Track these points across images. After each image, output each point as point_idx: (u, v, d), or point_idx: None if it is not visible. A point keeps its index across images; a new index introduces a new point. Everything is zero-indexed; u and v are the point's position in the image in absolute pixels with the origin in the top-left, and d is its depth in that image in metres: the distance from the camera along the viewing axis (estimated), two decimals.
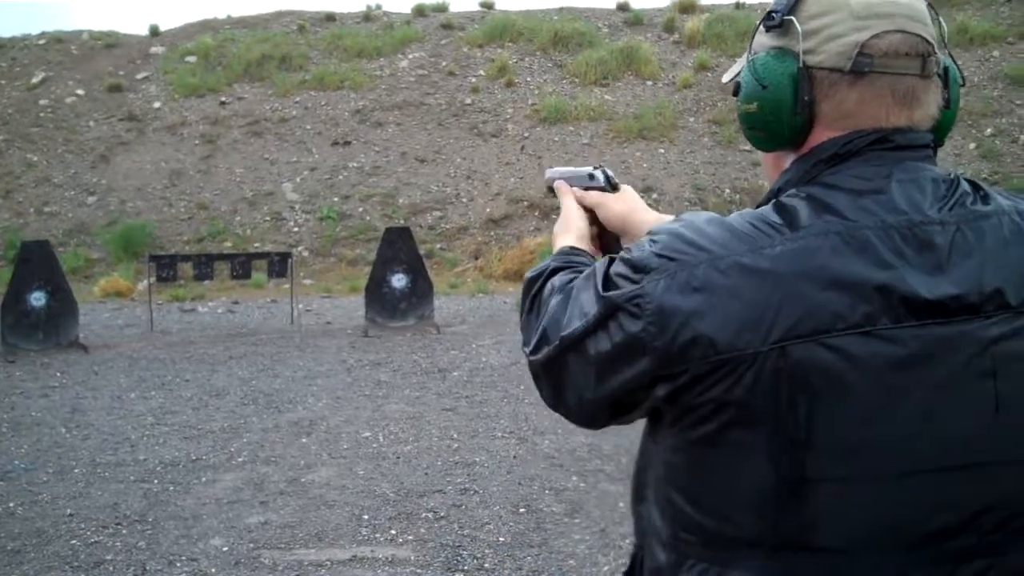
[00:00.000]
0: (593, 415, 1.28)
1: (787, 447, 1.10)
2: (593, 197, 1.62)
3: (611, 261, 1.24)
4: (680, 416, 1.17)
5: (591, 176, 1.65)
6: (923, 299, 1.10)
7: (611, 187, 1.64)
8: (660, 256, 1.15)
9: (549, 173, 1.75)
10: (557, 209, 1.66)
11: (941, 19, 1.26)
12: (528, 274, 1.44)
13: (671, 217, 1.46)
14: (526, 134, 19.36)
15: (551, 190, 1.73)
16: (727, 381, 1.10)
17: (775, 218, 1.15)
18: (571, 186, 1.68)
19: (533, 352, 1.31)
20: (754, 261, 1.11)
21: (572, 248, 1.52)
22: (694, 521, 1.20)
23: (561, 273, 1.38)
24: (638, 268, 1.17)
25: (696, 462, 1.19)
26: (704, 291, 1.11)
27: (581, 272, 1.32)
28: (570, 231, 1.59)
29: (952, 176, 1.21)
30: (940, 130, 1.27)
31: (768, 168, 1.35)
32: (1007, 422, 1.13)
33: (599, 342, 1.19)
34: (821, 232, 1.12)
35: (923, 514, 1.11)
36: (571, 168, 1.70)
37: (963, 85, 1.32)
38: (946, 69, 1.27)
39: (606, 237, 1.62)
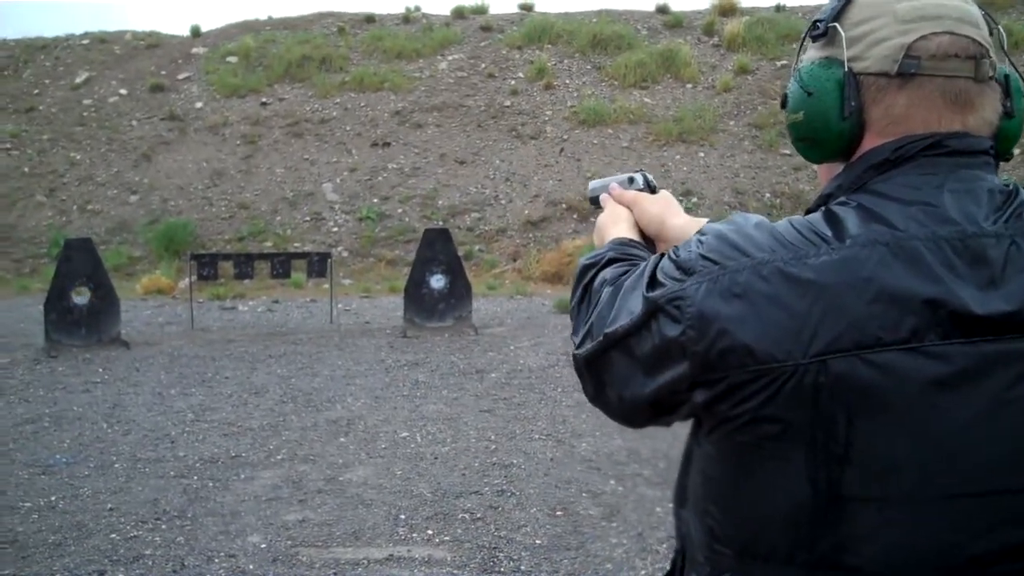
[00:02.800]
0: (632, 414, 1.27)
1: (824, 464, 1.08)
2: (630, 196, 1.59)
3: (661, 257, 1.22)
4: (717, 425, 1.15)
5: (631, 180, 1.64)
6: (973, 315, 1.06)
7: (649, 190, 1.62)
8: (705, 258, 1.14)
9: (592, 185, 1.73)
10: (595, 212, 1.64)
11: (1000, 28, 1.22)
12: (582, 260, 1.40)
13: (705, 220, 1.44)
14: (565, 136, 19.33)
15: (592, 202, 1.70)
16: (765, 392, 1.08)
17: (823, 227, 1.12)
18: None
19: (578, 346, 1.29)
20: (798, 270, 1.08)
21: (630, 240, 1.48)
22: (728, 534, 1.18)
23: (615, 265, 1.35)
24: (683, 269, 1.15)
25: (732, 474, 1.17)
26: (745, 298, 1.09)
27: (636, 265, 1.30)
28: (619, 221, 1.55)
29: (1011, 186, 1.16)
30: (1005, 141, 1.23)
31: (824, 181, 1.31)
32: None
33: (642, 342, 1.18)
34: (868, 243, 1.09)
35: (965, 538, 1.07)
36: (612, 177, 1.68)
37: None
38: (1007, 77, 1.23)
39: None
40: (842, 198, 1.18)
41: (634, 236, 1.51)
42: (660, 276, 1.17)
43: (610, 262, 1.37)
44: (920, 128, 1.16)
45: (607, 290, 1.27)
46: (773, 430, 1.09)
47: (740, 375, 1.09)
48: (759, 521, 1.15)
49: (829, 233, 1.11)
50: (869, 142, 1.20)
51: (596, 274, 1.35)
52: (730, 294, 1.10)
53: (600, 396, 1.29)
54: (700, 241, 1.17)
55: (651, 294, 1.17)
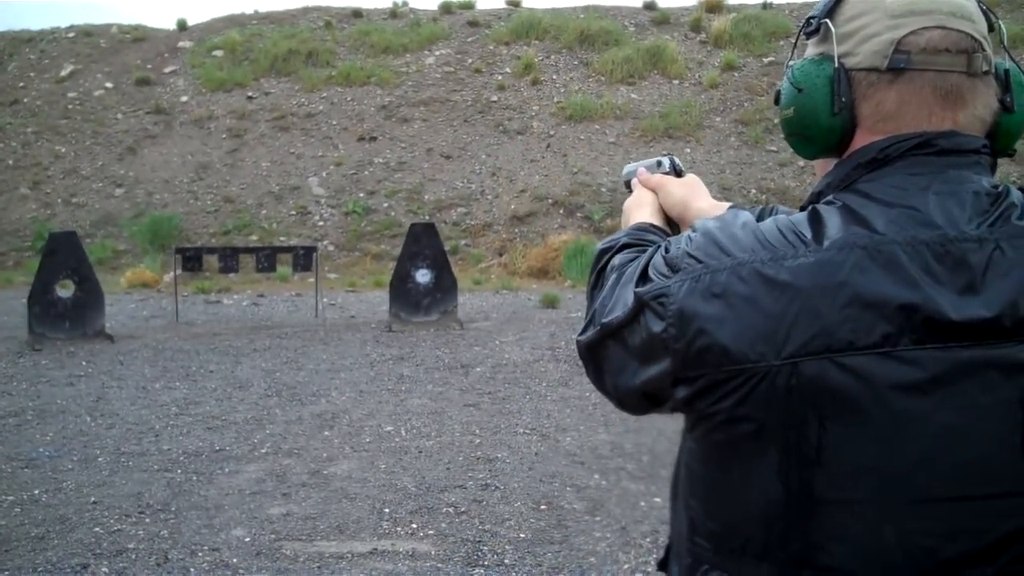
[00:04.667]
0: (627, 402, 1.28)
1: (796, 464, 1.09)
2: (656, 179, 1.58)
3: (658, 249, 1.22)
4: (698, 422, 1.17)
5: (659, 163, 1.64)
6: (949, 320, 1.05)
7: (676, 173, 1.62)
8: (691, 256, 1.15)
9: (626, 169, 1.72)
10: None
11: (1000, 22, 1.21)
12: (599, 245, 1.40)
13: (727, 205, 1.43)
14: (551, 132, 19.32)
15: (627, 186, 1.68)
16: (739, 392, 1.09)
17: (804, 228, 1.12)
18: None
19: (582, 332, 1.30)
20: (774, 272, 1.09)
21: (650, 225, 1.46)
22: (707, 528, 1.20)
23: (627, 251, 1.34)
24: (671, 265, 1.16)
25: (711, 470, 1.19)
26: (723, 297, 1.10)
27: (646, 252, 1.28)
28: (644, 206, 1.54)
29: (1000, 188, 1.14)
30: (1006, 136, 1.22)
31: (820, 176, 1.31)
32: None
33: (633, 334, 1.19)
34: (845, 246, 1.08)
35: (936, 542, 1.07)
36: (644, 161, 1.68)
37: None
38: (1007, 72, 1.22)
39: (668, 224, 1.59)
40: (830, 196, 1.18)
41: (656, 221, 1.50)
42: (651, 271, 1.18)
43: (624, 248, 1.36)
44: (910, 125, 1.16)
45: (612, 277, 1.27)
46: (748, 429, 1.10)
47: (717, 374, 1.10)
48: (735, 518, 1.16)
49: (808, 235, 1.11)
50: (860, 139, 1.19)
51: (609, 260, 1.34)
52: (710, 294, 1.11)
53: (599, 382, 1.30)
54: (690, 238, 1.18)
55: (639, 289, 1.18)
